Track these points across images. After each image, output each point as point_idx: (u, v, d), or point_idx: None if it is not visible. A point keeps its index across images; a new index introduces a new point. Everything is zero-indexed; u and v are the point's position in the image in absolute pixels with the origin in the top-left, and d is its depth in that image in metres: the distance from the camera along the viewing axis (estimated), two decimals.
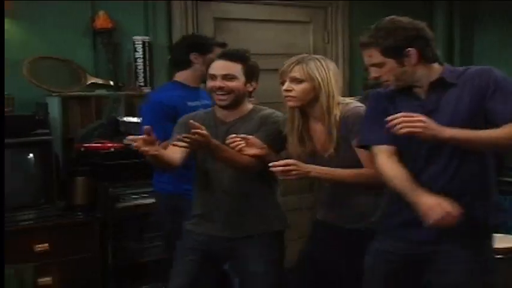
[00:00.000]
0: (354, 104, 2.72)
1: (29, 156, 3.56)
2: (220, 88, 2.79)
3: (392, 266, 2.46)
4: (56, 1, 3.98)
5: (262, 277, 2.84)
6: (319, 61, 2.69)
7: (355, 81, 5.37)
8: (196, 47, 3.51)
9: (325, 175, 2.63)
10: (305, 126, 2.76)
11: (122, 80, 4.16)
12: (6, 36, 3.77)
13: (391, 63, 2.31)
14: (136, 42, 4.18)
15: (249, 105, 2.92)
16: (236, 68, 2.82)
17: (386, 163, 2.39)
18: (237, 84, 2.81)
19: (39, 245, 3.45)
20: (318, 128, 2.73)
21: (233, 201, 2.83)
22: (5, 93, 3.53)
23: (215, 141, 2.61)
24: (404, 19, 2.35)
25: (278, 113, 2.90)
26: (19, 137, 3.42)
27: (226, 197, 2.83)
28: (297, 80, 2.64)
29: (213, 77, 2.82)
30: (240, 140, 2.68)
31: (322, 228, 2.86)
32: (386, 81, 2.37)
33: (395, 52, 2.29)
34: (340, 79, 2.75)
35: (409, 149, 2.36)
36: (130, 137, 2.56)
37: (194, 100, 3.43)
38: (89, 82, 4.05)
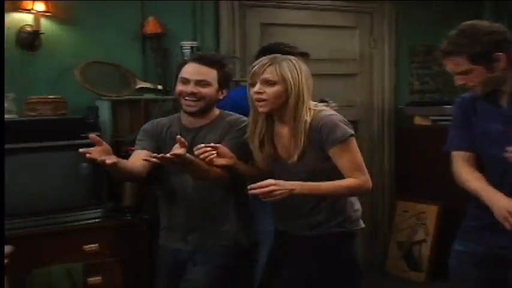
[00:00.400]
0: (327, 111, 2.56)
1: (79, 159, 3.64)
2: (192, 94, 2.62)
3: (477, 268, 2.45)
4: (107, 8, 4.08)
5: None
6: (292, 62, 2.50)
7: (401, 85, 5.37)
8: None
9: (310, 191, 2.45)
10: (268, 131, 2.59)
11: (170, 84, 4.21)
12: (60, 42, 3.90)
13: (479, 69, 2.27)
14: (184, 47, 4.23)
15: (216, 111, 2.75)
16: (211, 74, 2.65)
17: (463, 166, 2.42)
18: (210, 91, 2.64)
19: (89, 245, 3.54)
20: (283, 133, 2.56)
21: (196, 212, 2.67)
22: (59, 96, 3.66)
23: (190, 157, 2.39)
24: (484, 23, 2.32)
25: (245, 119, 2.69)
26: (70, 140, 3.49)
27: (190, 209, 2.67)
28: (269, 82, 2.46)
29: (185, 81, 2.64)
30: (210, 150, 2.48)
31: (284, 238, 2.69)
32: (473, 86, 2.34)
33: (484, 58, 2.25)
34: (311, 82, 2.55)
35: (489, 156, 2.39)
36: (82, 149, 2.29)
37: None
38: (138, 86, 4.13)
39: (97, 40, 4.08)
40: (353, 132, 2.50)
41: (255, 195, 2.33)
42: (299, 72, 2.48)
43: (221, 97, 2.70)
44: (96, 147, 2.33)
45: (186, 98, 2.63)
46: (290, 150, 2.53)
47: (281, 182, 2.35)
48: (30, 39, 3.82)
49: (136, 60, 4.23)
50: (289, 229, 2.65)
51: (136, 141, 2.75)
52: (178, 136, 2.39)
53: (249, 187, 2.33)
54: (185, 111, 2.68)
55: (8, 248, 2.74)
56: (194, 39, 4.37)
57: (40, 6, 3.78)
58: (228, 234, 2.68)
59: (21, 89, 3.68)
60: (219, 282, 2.65)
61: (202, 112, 2.67)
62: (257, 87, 2.46)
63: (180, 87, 2.65)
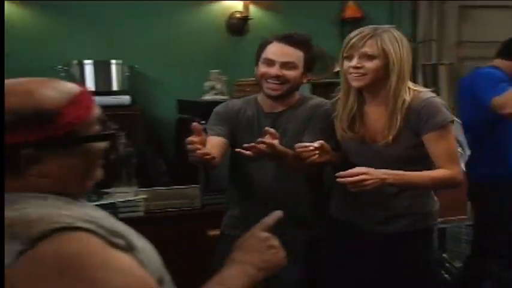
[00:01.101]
0: (428, 93, 2.31)
1: None
2: (277, 76, 2.38)
3: None
4: None
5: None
6: (394, 34, 2.25)
7: None
8: None
9: (404, 181, 2.22)
10: (359, 110, 2.37)
11: None
12: (266, 27, 4.17)
13: None
14: None
15: (296, 95, 2.51)
16: (298, 56, 2.40)
17: None
18: (295, 74, 2.40)
19: None
20: (375, 112, 2.34)
21: (274, 201, 2.40)
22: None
23: (280, 148, 2.19)
24: None
25: (328, 102, 2.49)
26: None
27: (268, 197, 2.46)
28: (368, 56, 2.22)
29: (270, 62, 2.40)
30: (312, 150, 2.20)
31: (348, 231, 2.48)
32: None
33: None
34: (411, 58, 2.31)
35: None
36: (191, 146, 2.03)
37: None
38: (336, 70, 4.29)
39: (299, 25, 4.26)
40: (453, 118, 2.31)
41: (343, 184, 2.11)
42: (401, 47, 2.25)
43: (305, 81, 2.47)
44: (196, 137, 2.09)
45: (269, 80, 2.41)
46: (382, 131, 2.31)
47: (372, 170, 2.12)
48: (240, 25, 4.12)
49: (335, 44, 4.38)
50: (358, 221, 2.44)
51: (209, 125, 2.52)
52: (267, 128, 2.19)
53: (337, 175, 2.13)
54: (267, 95, 2.46)
55: None
56: (391, 23, 4.43)
57: None
58: (306, 225, 2.50)
59: (231, 72, 3.97)
60: (295, 273, 2.43)
61: (285, 96, 2.45)
62: (355, 61, 2.23)
63: (263, 68, 2.42)
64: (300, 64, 2.40)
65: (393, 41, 2.23)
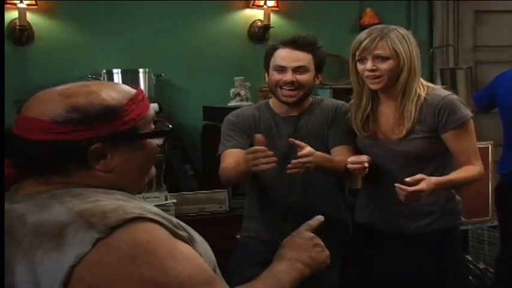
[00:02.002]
0: (444, 90, 2.37)
1: None
2: (291, 83, 2.39)
3: None
4: (328, 3, 4.37)
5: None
6: (400, 32, 2.29)
7: None
8: None
9: (447, 187, 2.29)
10: (373, 109, 2.40)
11: None
12: (287, 34, 4.22)
13: None
14: None
15: (310, 98, 2.53)
16: (307, 59, 2.41)
17: None
18: (308, 77, 2.41)
19: None
20: (389, 110, 2.37)
21: (304, 205, 2.43)
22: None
23: (319, 154, 2.26)
24: None
25: (345, 104, 2.53)
26: None
27: (296, 201, 2.46)
28: (381, 58, 2.26)
29: (282, 69, 2.40)
30: (365, 167, 2.26)
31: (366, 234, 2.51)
32: None
33: None
34: (419, 53, 2.35)
35: None
36: (267, 160, 2.11)
37: None
38: None
39: (318, 32, 4.29)
40: (472, 114, 2.35)
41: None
42: (409, 44, 2.29)
43: (318, 82, 2.51)
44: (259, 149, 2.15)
45: (284, 87, 2.41)
46: (395, 126, 2.35)
47: (426, 182, 2.13)
48: (261, 33, 4.20)
49: None
50: (377, 221, 2.46)
51: (225, 136, 2.51)
52: (292, 139, 2.26)
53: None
54: (283, 102, 2.46)
55: None
56: (408, 28, 4.50)
57: (271, 3, 4.16)
58: (335, 232, 2.41)
59: (254, 79, 4.04)
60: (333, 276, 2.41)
61: (301, 101, 2.46)
62: (369, 65, 2.26)
63: (276, 76, 2.42)
64: (311, 67, 2.41)
65: (401, 40, 2.27)
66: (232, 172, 2.36)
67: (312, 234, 1.50)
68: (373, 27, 2.36)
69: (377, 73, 2.26)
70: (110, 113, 1.23)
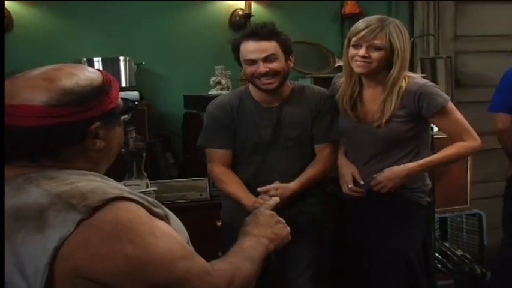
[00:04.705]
0: (421, 79, 2.52)
1: None
2: (266, 73, 2.48)
3: None
4: None
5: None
6: (398, 26, 2.43)
7: None
8: None
9: (426, 168, 2.58)
10: (359, 92, 2.57)
11: None
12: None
13: None
14: None
15: (288, 84, 2.65)
16: (273, 46, 2.49)
17: None
18: (280, 63, 2.51)
19: None
20: (372, 95, 2.53)
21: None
22: None
23: (291, 188, 2.55)
24: None
25: (323, 89, 2.70)
26: None
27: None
28: (376, 47, 2.40)
29: (252, 62, 2.50)
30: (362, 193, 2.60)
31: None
32: None
33: None
34: (410, 48, 2.50)
35: None
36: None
37: None
38: (337, 65, 4.37)
39: (299, 21, 4.37)
40: (449, 98, 2.52)
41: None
42: (404, 38, 2.42)
43: (292, 65, 2.58)
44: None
45: (261, 78, 2.51)
46: (377, 112, 2.50)
47: (389, 172, 2.51)
48: (242, 22, 4.20)
49: (335, 40, 4.47)
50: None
51: (209, 133, 2.64)
52: (260, 188, 2.54)
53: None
54: (264, 90, 2.55)
55: None
56: None
57: None
58: (312, 206, 2.69)
59: (234, 68, 4.03)
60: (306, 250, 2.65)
61: (281, 86, 2.56)
62: (363, 51, 2.39)
63: (249, 68, 2.52)
64: (278, 53, 2.50)
65: (398, 33, 2.40)
66: (227, 192, 2.64)
67: (272, 212, 1.60)
68: (371, 17, 2.47)
69: (367, 60, 2.40)
70: (99, 92, 1.26)
